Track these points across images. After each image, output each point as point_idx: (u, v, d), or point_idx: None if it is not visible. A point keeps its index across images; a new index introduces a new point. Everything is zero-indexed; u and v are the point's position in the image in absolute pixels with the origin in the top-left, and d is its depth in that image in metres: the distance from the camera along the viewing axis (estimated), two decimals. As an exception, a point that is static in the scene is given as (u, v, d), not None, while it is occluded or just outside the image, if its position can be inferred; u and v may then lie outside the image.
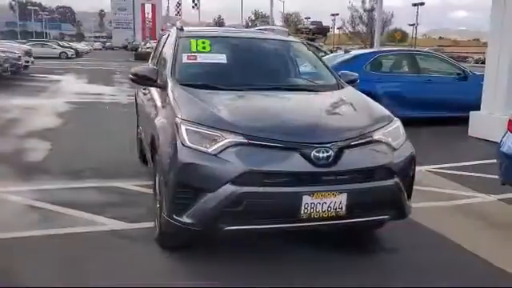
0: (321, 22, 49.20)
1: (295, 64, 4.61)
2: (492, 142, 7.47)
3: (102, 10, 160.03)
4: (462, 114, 8.38)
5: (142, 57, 38.27)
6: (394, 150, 3.23)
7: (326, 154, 2.93)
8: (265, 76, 4.19)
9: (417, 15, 48.33)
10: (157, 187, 3.50)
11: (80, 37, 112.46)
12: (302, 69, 4.62)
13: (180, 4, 44.24)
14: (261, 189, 2.87)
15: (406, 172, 3.26)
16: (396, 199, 3.18)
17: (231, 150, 2.93)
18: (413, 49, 13.72)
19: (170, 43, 4.50)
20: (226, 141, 2.95)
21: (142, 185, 5.07)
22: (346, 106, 3.79)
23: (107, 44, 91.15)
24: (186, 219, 2.97)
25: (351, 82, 4.29)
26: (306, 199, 2.88)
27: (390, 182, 3.11)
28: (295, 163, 2.92)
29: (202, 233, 3.11)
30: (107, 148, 6.81)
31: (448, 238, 3.84)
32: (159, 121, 3.47)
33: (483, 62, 13.79)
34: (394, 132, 3.35)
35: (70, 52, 40.85)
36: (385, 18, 31.09)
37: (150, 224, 3.87)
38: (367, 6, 35.97)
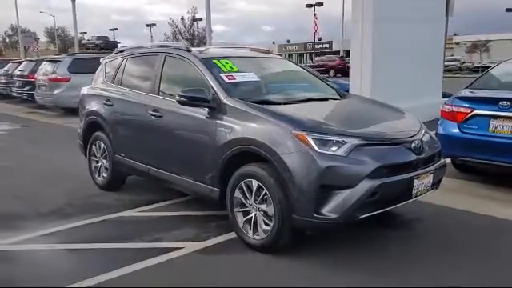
0: (107, 37, 47.80)
1: (303, 76, 5.21)
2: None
3: None
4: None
5: None
6: (431, 137, 4.27)
7: (419, 145, 3.77)
8: (296, 89, 4.74)
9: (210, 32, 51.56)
10: (248, 200, 3.81)
11: None
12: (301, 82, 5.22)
13: None
14: (389, 179, 3.51)
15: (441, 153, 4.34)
16: (443, 174, 4.22)
17: (356, 151, 3.48)
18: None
19: (182, 64, 4.58)
20: (350, 144, 3.48)
21: (147, 210, 4.97)
22: (386, 108, 4.63)
23: None
24: (328, 214, 3.39)
25: None
26: (416, 181, 3.67)
27: (443, 162, 4.13)
28: (405, 155, 3.67)
29: (337, 225, 3.57)
30: (48, 183, 6.11)
31: (431, 203, 5.00)
32: (264, 134, 3.64)
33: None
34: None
35: None
36: (203, 34, 32.60)
37: (223, 238, 4.10)
38: (187, 21, 37.05)
